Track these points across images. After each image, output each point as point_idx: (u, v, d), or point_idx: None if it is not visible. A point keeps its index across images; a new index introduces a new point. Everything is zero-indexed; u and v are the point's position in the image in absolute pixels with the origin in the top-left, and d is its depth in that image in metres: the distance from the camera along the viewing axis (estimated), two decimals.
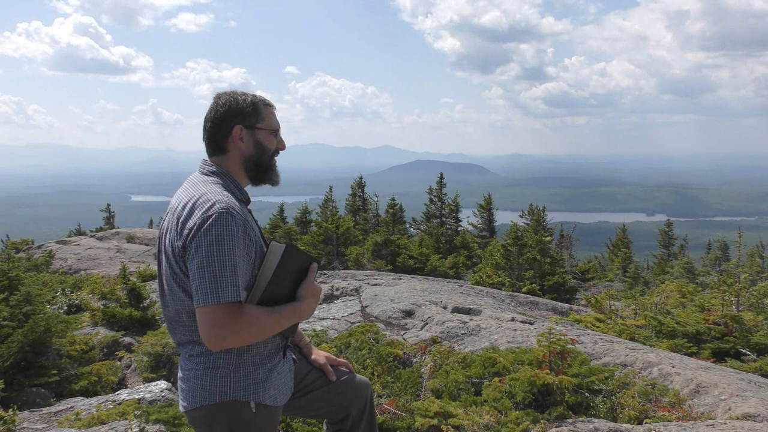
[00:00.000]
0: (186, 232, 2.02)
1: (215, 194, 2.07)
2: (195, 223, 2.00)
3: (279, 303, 2.16)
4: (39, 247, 17.09)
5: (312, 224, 22.46)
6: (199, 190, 2.11)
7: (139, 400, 4.84)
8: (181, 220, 2.06)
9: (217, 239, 1.97)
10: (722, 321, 6.59)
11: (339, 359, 2.72)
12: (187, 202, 2.08)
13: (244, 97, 2.26)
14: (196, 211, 2.02)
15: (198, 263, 1.96)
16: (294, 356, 2.54)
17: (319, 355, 2.66)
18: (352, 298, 8.06)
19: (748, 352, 6.17)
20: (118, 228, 23.14)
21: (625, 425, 3.85)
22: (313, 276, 2.26)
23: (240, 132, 2.22)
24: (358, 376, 2.71)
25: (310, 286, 2.24)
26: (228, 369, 2.14)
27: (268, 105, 2.30)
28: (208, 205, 2.02)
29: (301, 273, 2.25)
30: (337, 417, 2.61)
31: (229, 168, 2.23)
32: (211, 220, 1.98)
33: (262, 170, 2.28)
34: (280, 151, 2.34)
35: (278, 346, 2.31)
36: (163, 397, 4.95)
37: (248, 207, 2.32)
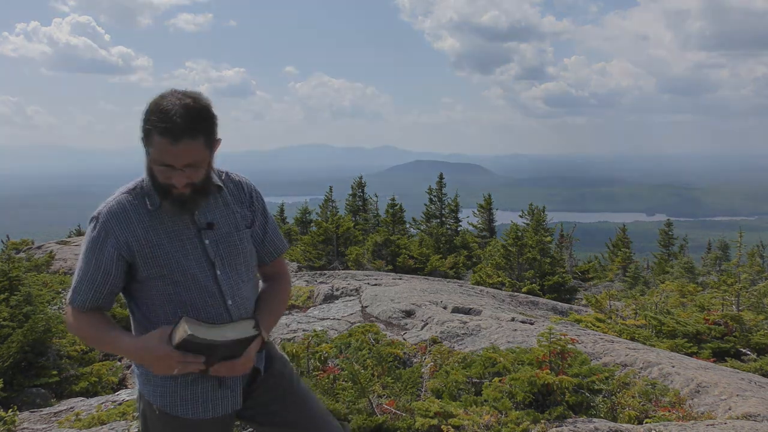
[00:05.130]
0: None
1: (111, 197, 2.04)
2: None
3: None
4: (39, 247, 17.08)
5: (312, 224, 22.47)
6: None
7: None
8: None
9: (83, 241, 2.03)
10: (722, 321, 6.59)
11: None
12: None
13: (158, 104, 1.86)
14: None
15: None
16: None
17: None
18: (352, 298, 8.06)
19: (749, 352, 6.17)
20: None
21: (625, 425, 3.85)
22: (174, 336, 1.91)
23: (142, 142, 1.95)
24: (333, 422, 2.29)
25: (155, 343, 1.91)
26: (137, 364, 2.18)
27: (164, 134, 1.82)
28: None
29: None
30: None
31: None
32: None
33: (158, 192, 1.97)
34: (188, 187, 1.93)
35: None
36: None
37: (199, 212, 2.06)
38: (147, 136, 1.88)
